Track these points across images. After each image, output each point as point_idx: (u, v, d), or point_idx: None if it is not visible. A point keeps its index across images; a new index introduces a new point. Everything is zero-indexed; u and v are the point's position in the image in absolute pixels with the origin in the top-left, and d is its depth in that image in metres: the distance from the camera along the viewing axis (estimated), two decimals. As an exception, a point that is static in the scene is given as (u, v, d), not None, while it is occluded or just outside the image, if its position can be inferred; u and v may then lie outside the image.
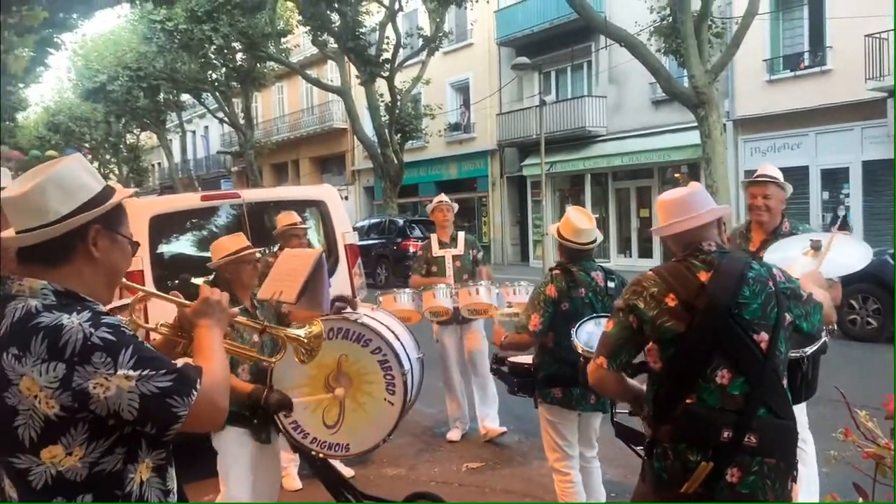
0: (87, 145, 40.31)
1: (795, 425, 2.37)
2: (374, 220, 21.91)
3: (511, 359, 4.28)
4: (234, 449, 3.58)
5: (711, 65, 14.15)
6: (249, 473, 3.60)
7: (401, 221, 20.81)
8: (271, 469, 3.81)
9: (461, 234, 6.39)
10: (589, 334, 3.24)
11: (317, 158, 35.49)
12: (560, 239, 3.91)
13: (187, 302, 1.93)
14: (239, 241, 3.79)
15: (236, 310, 2.00)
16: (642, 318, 2.33)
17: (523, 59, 20.17)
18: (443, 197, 6.40)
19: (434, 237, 6.31)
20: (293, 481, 5.07)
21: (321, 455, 3.80)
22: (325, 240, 6.55)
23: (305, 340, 2.19)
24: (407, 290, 5.99)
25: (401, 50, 22.07)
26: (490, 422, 6.14)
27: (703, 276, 2.32)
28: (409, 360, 4.03)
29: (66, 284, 1.64)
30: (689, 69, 13.82)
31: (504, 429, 6.21)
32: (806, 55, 17.55)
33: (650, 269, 2.45)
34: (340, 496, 3.67)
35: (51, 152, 35.61)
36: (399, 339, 4.06)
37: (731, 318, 2.27)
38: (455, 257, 6.19)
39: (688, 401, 2.26)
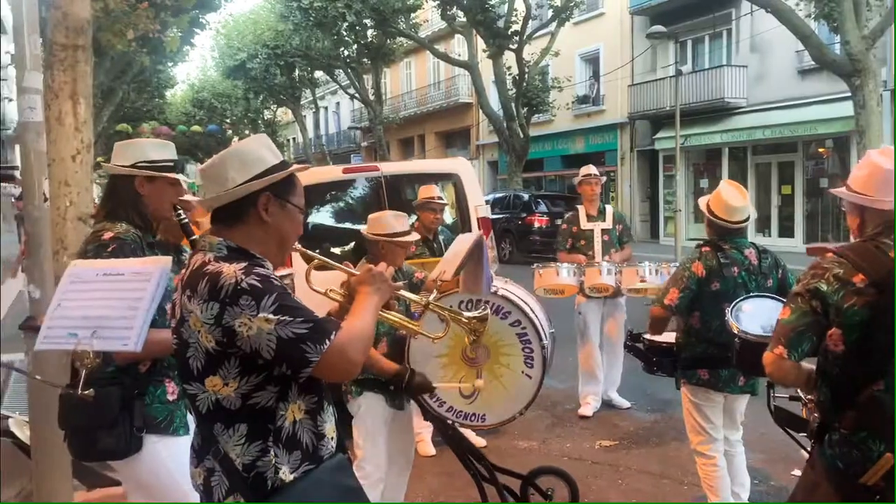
0: (227, 121, 42.51)
1: None
2: (498, 195, 21.83)
3: (648, 337, 4.16)
4: (369, 414, 3.68)
5: (869, 29, 13.04)
6: (384, 438, 3.70)
7: (526, 196, 20.64)
8: (405, 434, 3.90)
9: (608, 208, 6.31)
10: (747, 315, 3.08)
11: (442, 133, 35.80)
12: (710, 216, 3.73)
13: (354, 271, 2.10)
14: (402, 222, 3.84)
15: (400, 283, 2.08)
16: (826, 300, 2.14)
17: (659, 28, 19.35)
18: (591, 169, 6.27)
19: (581, 210, 6.22)
20: (427, 447, 5.18)
21: (455, 424, 3.85)
22: (459, 213, 6.60)
23: (466, 321, 2.24)
24: (566, 264, 5.96)
25: (530, 21, 21.76)
26: (615, 394, 6.23)
27: None
28: (546, 334, 4.00)
29: (240, 242, 1.87)
30: (844, 35, 12.80)
31: (629, 403, 6.15)
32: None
33: (831, 252, 2.25)
34: (470, 465, 3.71)
35: (195, 127, 37.97)
36: (535, 313, 4.04)
37: None
38: (604, 231, 6.10)
39: (874, 387, 2.10)
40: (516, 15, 21.80)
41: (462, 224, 6.42)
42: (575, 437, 5.58)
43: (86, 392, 1.91)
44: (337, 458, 1.92)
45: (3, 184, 44.73)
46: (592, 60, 27.18)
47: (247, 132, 44.25)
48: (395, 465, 3.82)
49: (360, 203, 6.85)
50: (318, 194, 6.55)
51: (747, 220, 3.74)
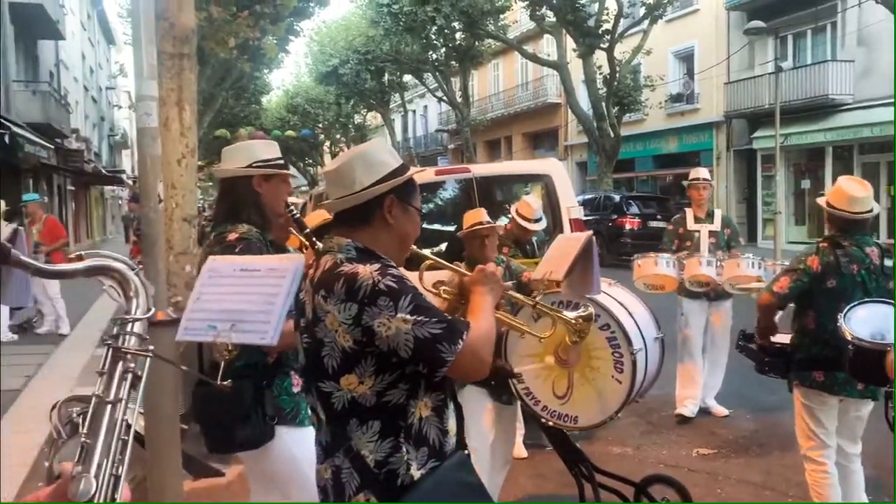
0: (319, 125, 43.64)
1: None
2: (587, 196, 21.51)
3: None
4: (472, 406, 3.70)
5: None
6: (488, 431, 3.72)
7: (617, 197, 20.28)
8: (508, 430, 3.91)
9: (717, 212, 6.18)
10: (861, 321, 2.93)
11: (529, 134, 35.62)
12: (830, 208, 3.58)
13: (466, 272, 2.15)
14: (476, 215, 3.90)
15: (510, 283, 2.11)
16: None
17: (758, 24, 18.63)
18: (700, 172, 6.18)
19: (689, 211, 6.11)
20: (519, 449, 5.17)
21: (551, 423, 3.83)
22: (551, 214, 6.55)
23: (574, 322, 2.24)
24: (665, 255, 5.84)
25: (622, 20, 21.38)
26: (712, 401, 6.04)
27: None
28: (643, 339, 3.91)
29: (366, 244, 1.91)
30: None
31: (727, 411, 5.94)
32: None
33: None
34: (575, 468, 3.67)
35: (289, 132, 39.08)
36: (633, 317, 3.95)
37: None
38: (711, 233, 5.96)
39: None
40: (607, 13, 21.46)
41: (554, 226, 6.36)
42: (671, 445, 5.44)
43: (224, 383, 2.01)
44: (458, 454, 1.94)
45: (111, 186, 47.26)
46: (686, 58, 26.45)
47: (338, 136, 45.30)
48: (496, 461, 3.83)
49: (451, 205, 6.91)
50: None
51: (870, 211, 3.57)
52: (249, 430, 2.57)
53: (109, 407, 1.12)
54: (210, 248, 2.66)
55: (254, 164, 2.75)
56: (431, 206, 7.24)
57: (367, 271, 1.79)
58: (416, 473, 1.81)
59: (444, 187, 7.04)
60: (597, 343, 3.74)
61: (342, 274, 1.80)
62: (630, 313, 3.95)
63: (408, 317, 1.75)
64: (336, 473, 1.86)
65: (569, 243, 3.80)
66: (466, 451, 2.00)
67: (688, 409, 5.92)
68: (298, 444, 2.62)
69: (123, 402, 1.12)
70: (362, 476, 1.81)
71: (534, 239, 5.61)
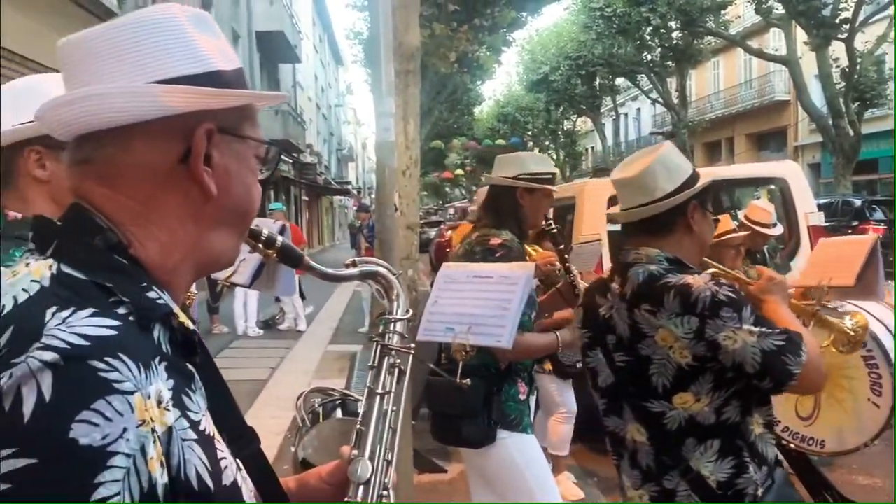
0: (528, 133, 44.10)
1: None
2: (822, 201, 19.58)
3: None
4: None
5: None
6: None
7: (857, 202, 18.33)
8: None
9: None
10: None
11: (753, 135, 33.37)
12: None
13: (749, 280, 2.10)
14: (725, 223, 3.74)
15: (793, 290, 2.03)
16: None
17: None
18: None
19: None
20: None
21: (793, 446, 3.55)
22: (786, 221, 6.07)
23: (851, 332, 2.10)
24: None
25: (863, 7, 19.36)
26: None
27: None
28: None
29: (671, 252, 1.85)
30: None
31: None
32: None
33: None
34: (820, 497, 3.37)
35: (500, 141, 39.93)
36: (892, 334, 3.56)
37: None
38: None
39: None
40: (846, 1, 19.54)
41: (790, 234, 5.90)
42: (930, 479, 4.81)
43: (464, 381, 2.11)
44: (781, 470, 1.86)
45: (339, 196, 51.15)
46: (944, 43, 23.36)
47: (547, 143, 45.49)
48: None
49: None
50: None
51: None
52: (474, 429, 2.66)
53: (378, 398, 1.20)
54: (471, 247, 2.77)
55: (520, 176, 2.82)
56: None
57: (699, 282, 1.70)
58: (759, 493, 1.73)
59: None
60: (850, 361, 3.41)
61: (671, 286, 1.71)
62: (888, 329, 3.56)
63: (753, 328, 1.66)
64: (666, 496, 1.78)
65: (846, 247, 3.53)
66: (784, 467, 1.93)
67: None
68: (520, 451, 2.68)
69: (392, 394, 1.20)
70: (704, 497, 1.73)
71: (765, 248, 5.23)
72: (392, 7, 3.92)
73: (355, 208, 20.15)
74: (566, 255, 3.04)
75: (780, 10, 21.14)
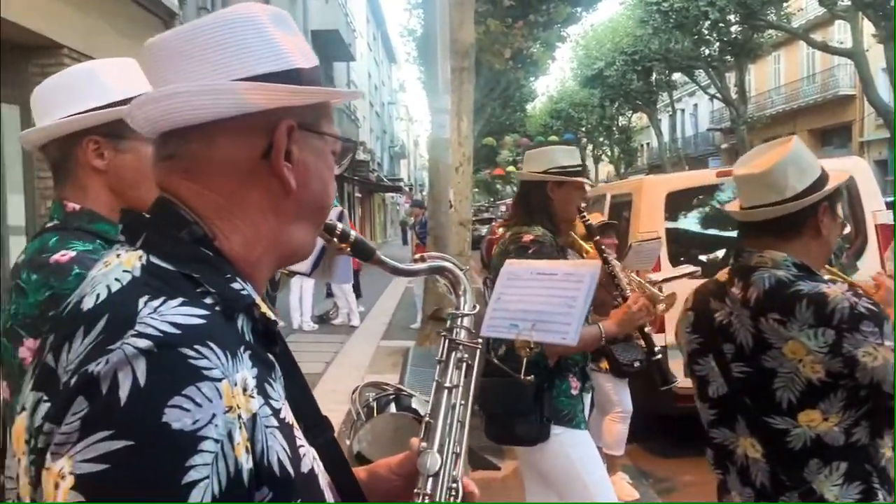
0: (582, 129, 43.61)
1: None
2: (889, 199, 18.92)
3: None
4: None
5: None
6: None
7: (927, 200, 17.64)
8: None
9: None
10: None
11: (816, 130, 32.36)
12: None
13: (869, 289, 1.93)
14: None
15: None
16: None
17: None
18: None
19: None
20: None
21: None
22: (853, 219, 5.87)
23: None
24: None
25: (935, -4, 18.60)
26: None
27: None
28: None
29: (798, 256, 1.72)
30: None
31: None
32: None
33: None
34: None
35: (552, 137, 39.62)
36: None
37: None
38: None
39: None
40: (916, -10, 18.79)
41: (856, 233, 5.70)
42: None
43: (528, 378, 2.10)
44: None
45: (391, 193, 51.55)
46: None
47: (601, 139, 44.93)
48: None
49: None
50: (687, 199, 6.38)
51: None
52: (527, 426, 2.66)
53: (446, 392, 1.21)
54: (505, 246, 2.78)
55: (550, 170, 2.82)
56: (708, 209, 6.88)
57: (836, 292, 1.59)
58: None
59: (722, 189, 6.64)
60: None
61: (803, 294, 1.60)
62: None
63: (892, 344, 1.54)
64: None
65: None
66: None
67: None
68: (574, 447, 2.68)
69: (460, 388, 1.21)
70: None
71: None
72: (448, 4, 3.94)
73: (407, 205, 20.27)
74: (604, 251, 2.98)
75: (845, 1, 20.46)
